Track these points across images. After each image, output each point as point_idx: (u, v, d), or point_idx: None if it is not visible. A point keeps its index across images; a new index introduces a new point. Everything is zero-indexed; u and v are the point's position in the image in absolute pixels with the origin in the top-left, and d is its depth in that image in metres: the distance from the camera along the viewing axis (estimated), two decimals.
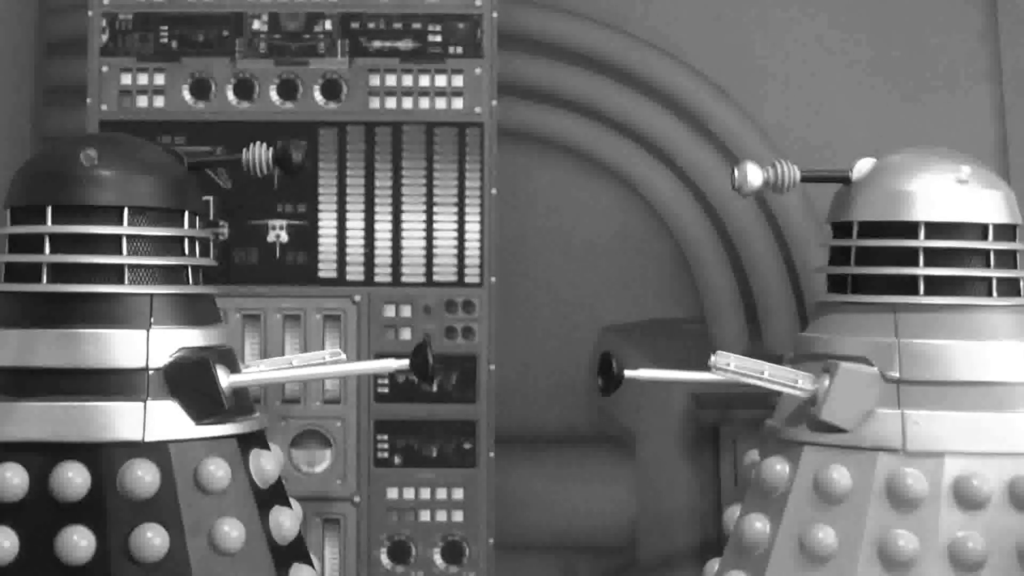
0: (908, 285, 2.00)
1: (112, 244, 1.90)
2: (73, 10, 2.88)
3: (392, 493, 2.78)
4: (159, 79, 2.79)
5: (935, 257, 2.00)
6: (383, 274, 2.78)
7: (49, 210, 1.90)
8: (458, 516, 2.78)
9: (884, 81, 2.95)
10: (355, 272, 2.78)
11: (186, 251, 1.97)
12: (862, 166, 2.09)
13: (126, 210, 1.91)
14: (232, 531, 1.87)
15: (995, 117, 2.95)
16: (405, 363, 1.98)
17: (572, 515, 2.95)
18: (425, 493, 2.78)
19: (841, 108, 2.94)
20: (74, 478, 1.82)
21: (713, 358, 2.01)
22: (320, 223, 2.78)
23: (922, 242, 2.00)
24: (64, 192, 1.90)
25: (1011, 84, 2.94)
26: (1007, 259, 2.04)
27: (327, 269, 2.78)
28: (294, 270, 2.78)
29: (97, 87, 2.78)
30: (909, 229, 2.01)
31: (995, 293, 2.01)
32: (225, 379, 1.92)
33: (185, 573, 1.84)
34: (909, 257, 2.01)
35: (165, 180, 1.95)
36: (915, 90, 2.94)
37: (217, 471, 1.88)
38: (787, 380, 2.02)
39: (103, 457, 1.84)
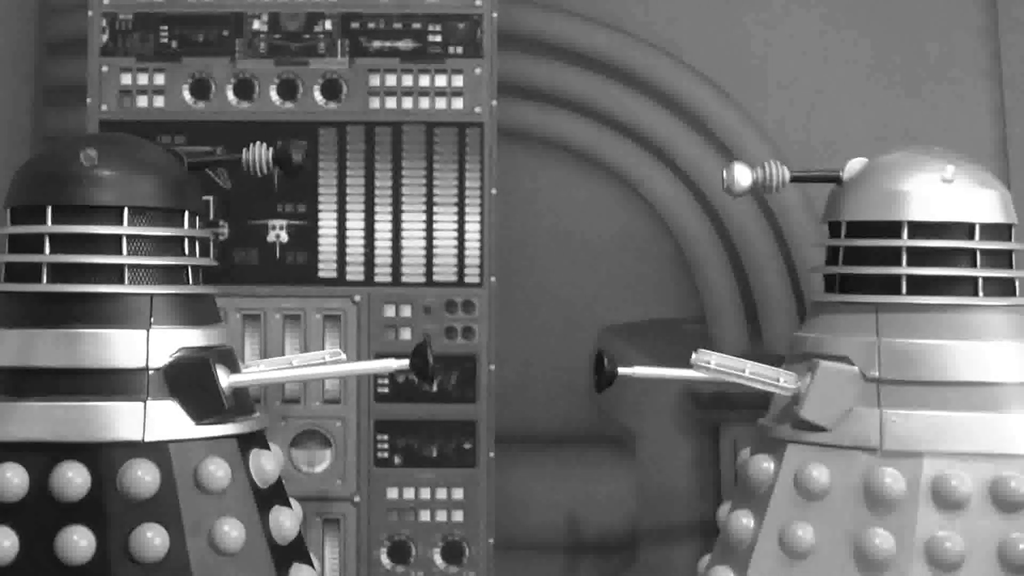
0: (891, 285, 2.01)
1: (112, 244, 1.91)
2: (73, 10, 2.88)
3: (392, 493, 2.78)
4: (159, 79, 2.79)
5: (921, 257, 2.01)
6: (383, 274, 2.78)
7: (49, 210, 1.91)
8: (458, 516, 2.78)
9: (884, 80, 2.95)
10: (355, 272, 2.78)
11: (186, 251, 1.98)
12: (853, 166, 2.10)
13: (126, 210, 1.92)
14: (232, 531, 1.88)
15: (995, 117, 2.94)
16: (405, 363, 1.99)
17: (572, 515, 2.94)
18: (425, 493, 2.78)
19: (841, 108, 2.94)
20: (74, 478, 1.83)
21: (694, 356, 2.03)
22: (320, 223, 2.78)
23: (905, 241, 2.00)
24: (64, 192, 1.91)
25: (1011, 84, 2.94)
26: (999, 258, 2.03)
27: (327, 269, 2.78)
28: (294, 270, 2.78)
29: (97, 87, 2.78)
30: (895, 229, 2.01)
31: (981, 293, 2.01)
32: (225, 379, 1.93)
33: (185, 573, 1.85)
34: (893, 257, 2.01)
35: (165, 180, 1.96)
36: (915, 89, 2.94)
37: (217, 471, 1.89)
38: (769, 378, 2.03)
39: (103, 457, 1.85)
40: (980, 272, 2.01)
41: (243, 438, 1.97)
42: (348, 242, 2.79)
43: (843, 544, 1.94)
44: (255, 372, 2.04)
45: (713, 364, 2.02)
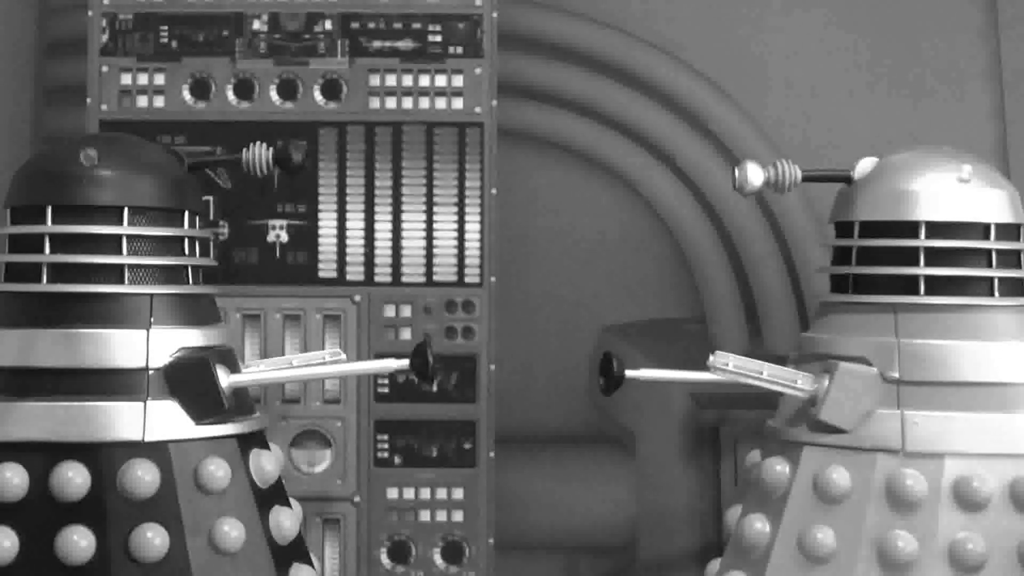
0: (908, 285, 2.01)
1: (112, 244, 1.91)
2: (73, 10, 2.88)
3: (392, 493, 2.78)
4: (159, 79, 2.78)
5: (936, 257, 2.00)
6: (383, 274, 2.78)
7: (49, 210, 1.90)
8: (458, 516, 2.78)
9: (884, 81, 2.95)
10: (355, 272, 2.78)
11: (186, 251, 1.97)
12: (864, 166, 2.09)
13: (126, 210, 1.91)
14: (232, 531, 1.88)
15: (995, 117, 2.95)
16: (405, 363, 1.99)
17: (572, 515, 2.94)
18: (425, 493, 2.78)
19: (841, 108, 2.94)
20: (74, 478, 1.83)
21: (712, 358, 2.02)
22: (320, 223, 2.78)
23: (923, 242, 2.00)
24: (64, 192, 1.91)
25: (1011, 84, 2.94)
26: (1011, 259, 2.03)
27: (327, 269, 2.78)
28: (294, 270, 2.77)
29: (97, 87, 2.78)
30: (910, 229, 2.01)
31: (997, 293, 2.01)
32: (225, 379, 1.92)
33: (185, 573, 1.85)
34: (910, 257, 2.01)
35: (165, 180, 1.95)
36: (915, 90, 2.94)
37: (217, 471, 1.89)
38: (786, 380, 2.02)
39: (103, 457, 1.85)
40: (996, 272, 2.01)
41: (243, 438, 1.97)
42: (348, 242, 2.78)
43: (865, 547, 1.94)
44: (255, 372, 2.03)
45: (731, 366, 2.02)
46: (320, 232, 2.78)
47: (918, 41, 2.95)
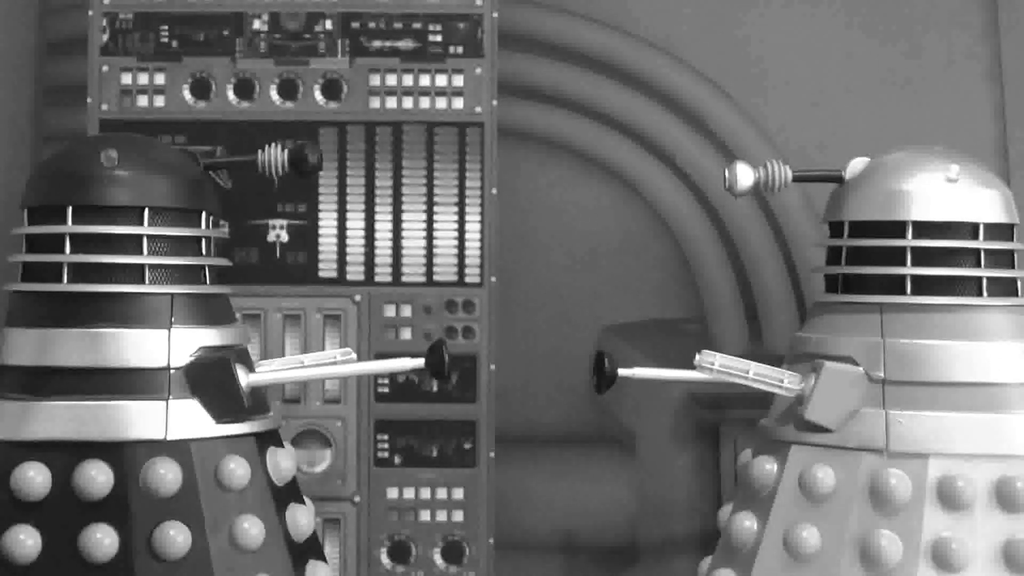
0: (895, 285, 2.00)
1: (132, 244, 1.91)
2: (73, 10, 2.88)
3: (392, 493, 2.79)
4: (159, 79, 2.79)
5: (925, 257, 2.00)
6: (383, 274, 2.79)
7: (69, 210, 1.90)
8: (458, 516, 2.79)
9: (884, 80, 2.95)
10: (355, 272, 2.79)
11: (203, 251, 1.98)
12: (855, 165, 2.09)
13: (146, 210, 1.91)
14: (252, 528, 1.88)
15: (995, 117, 2.94)
16: (421, 362, 1.98)
17: (572, 515, 2.94)
18: (425, 493, 2.79)
19: (841, 108, 2.93)
20: (97, 476, 1.83)
21: (698, 357, 2.02)
22: (320, 223, 2.79)
23: (909, 241, 2.00)
24: (84, 192, 1.91)
25: (1011, 84, 2.94)
26: (1003, 258, 2.03)
27: (327, 269, 2.79)
28: (294, 270, 2.78)
29: (97, 87, 2.78)
30: (899, 229, 2.01)
31: (985, 293, 2.00)
32: (244, 378, 1.93)
33: (207, 570, 1.85)
34: (897, 257, 2.00)
35: (183, 180, 1.96)
36: (915, 90, 2.94)
37: (237, 469, 1.89)
38: (773, 379, 2.02)
39: (126, 455, 1.85)
40: (985, 272, 2.00)
41: (260, 436, 1.97)
42: (348, 242, 2.79)
43: (849, 546, 1.94)
44: (273, 371, 2.03)
45: (717, 365, 2.01)
46: (320, 232, 2.79)
47: (918, 40, 2.95)
